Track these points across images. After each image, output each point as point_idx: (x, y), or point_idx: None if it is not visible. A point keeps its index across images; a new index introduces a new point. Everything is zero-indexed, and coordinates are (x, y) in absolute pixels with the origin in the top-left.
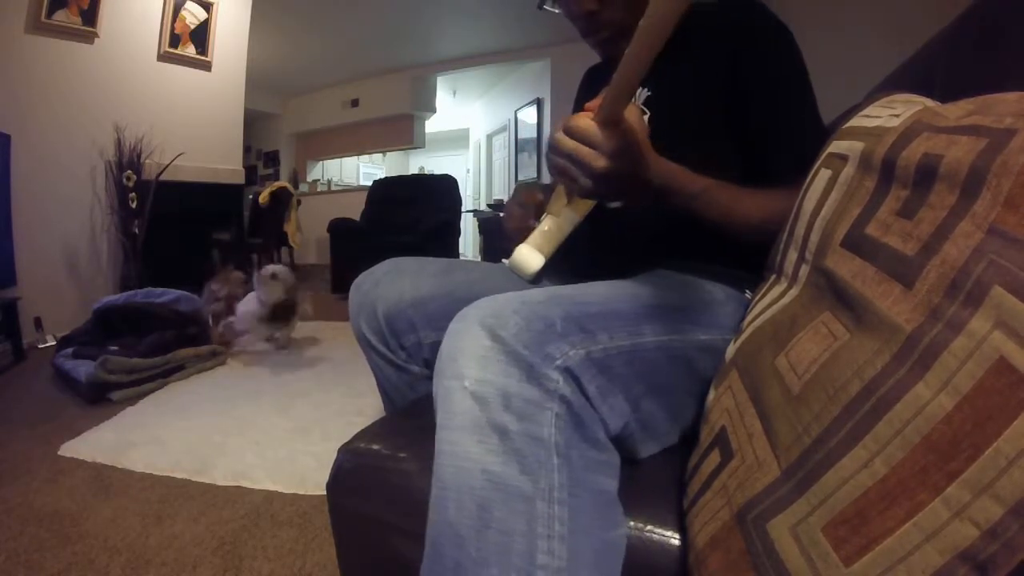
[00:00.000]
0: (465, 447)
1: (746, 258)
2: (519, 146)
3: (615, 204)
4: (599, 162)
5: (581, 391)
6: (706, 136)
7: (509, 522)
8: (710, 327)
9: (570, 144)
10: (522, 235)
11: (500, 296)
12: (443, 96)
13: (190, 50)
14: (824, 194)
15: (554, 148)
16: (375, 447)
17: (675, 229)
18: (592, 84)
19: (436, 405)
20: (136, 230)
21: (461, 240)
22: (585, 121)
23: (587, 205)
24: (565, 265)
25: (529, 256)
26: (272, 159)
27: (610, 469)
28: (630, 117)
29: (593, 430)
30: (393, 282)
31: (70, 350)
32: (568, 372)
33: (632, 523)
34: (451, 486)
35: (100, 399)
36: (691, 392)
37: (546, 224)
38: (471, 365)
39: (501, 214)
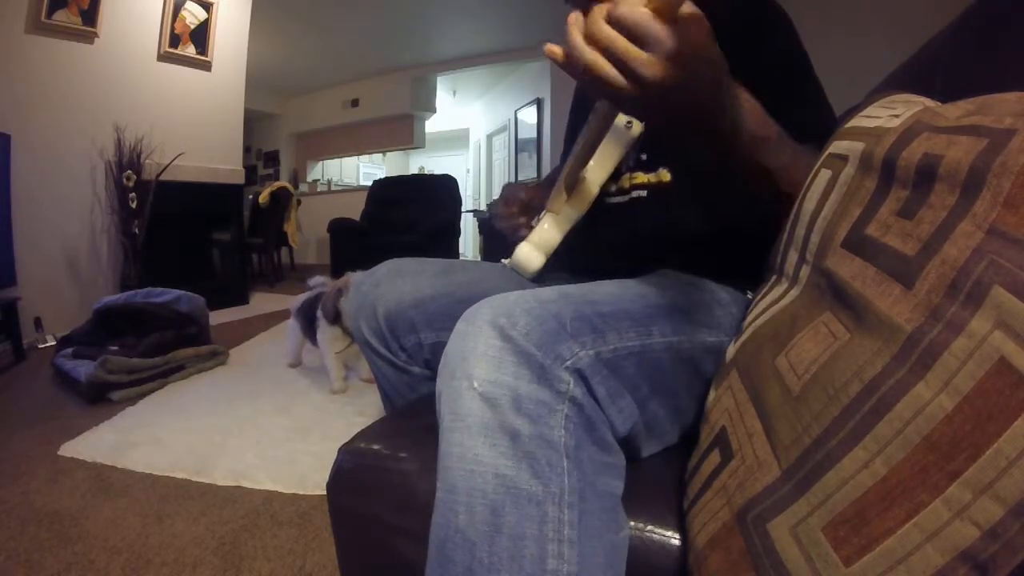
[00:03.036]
0: (475, 450)
1: (746, 259)
2: (519, 146)
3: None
4: (650, 68)
5: (590, 393)
6: None
7: (520, 527)
8: (715, 328)
9: (610, 34)
10: (514, 232)
11: (509, 294)
12: (443, 96)
13: (190, 50)
14: (824, 195)
15: (589, 37)
16: (375, 447)
17: (676, 230)
18: None
19: (440, 405)
20: (136, 230)
21: (461, 240)
22: (637, 8)
23: (587, 202)
24: (566, 264)
25: (530, 255)
26: (272, 159)
27: (617, 471)
28: (696, 17)
29: (602, 432)
30: (393, 283)
31: (70, 350)
32: (578, 373)
33: (632, 523)
34: (461, 490)
35: (100, 399)
36: (694, 393)
37: (546, 222)
38: (481, 365)
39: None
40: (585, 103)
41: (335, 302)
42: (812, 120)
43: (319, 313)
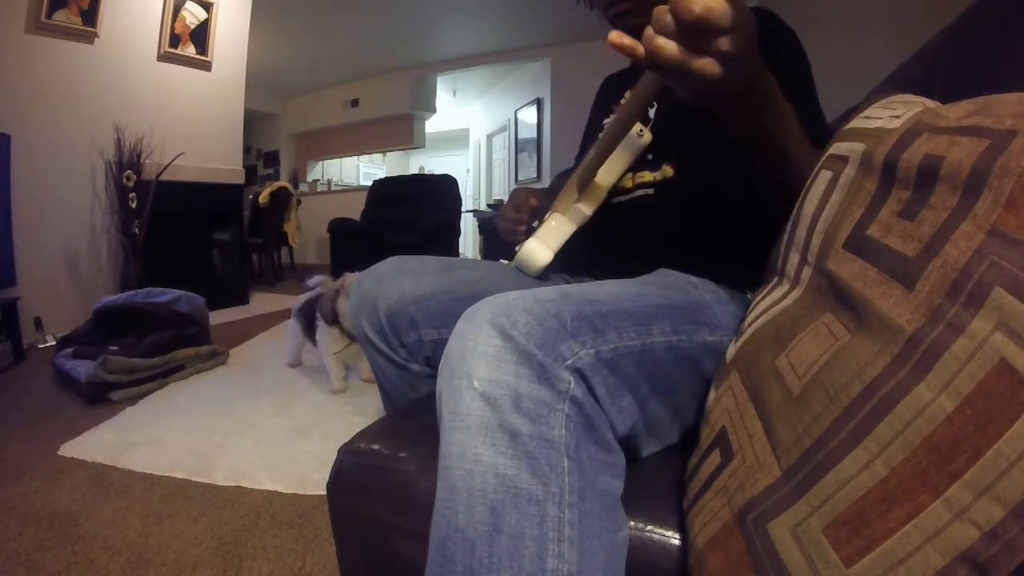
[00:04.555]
0: (475, 450)
1: (747, 261)
2: (519, 146)
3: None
4: (729, 43)
5: (591, 392)
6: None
7: (520, 526)
8: (715, 327)
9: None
10: (513, 236)
11: (510, 294)
12: (443, 96)
13: (190, 50)
14: (825, 196)
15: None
16: (375, 447)
17: (679, 229)
18: (609, 94)
19: (441, 405)
20: (136, 230)
21: (461, 240)
22: None
23: (596, 205)
24: (563, 264)
25: (537, 251)
26: (272, 159)
27: (617, 470)
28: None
29: (602, 431)
30: (395, 280)
31: (70, 350)
32: (578, 372)
33: (632, 523)
34: (461, 489)
35: (100, 399)
36: (694, 393)
37: (553, 220)
38: (481, 365)
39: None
40: (605, 107)
41: (332, 303)
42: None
43: (318, 314)
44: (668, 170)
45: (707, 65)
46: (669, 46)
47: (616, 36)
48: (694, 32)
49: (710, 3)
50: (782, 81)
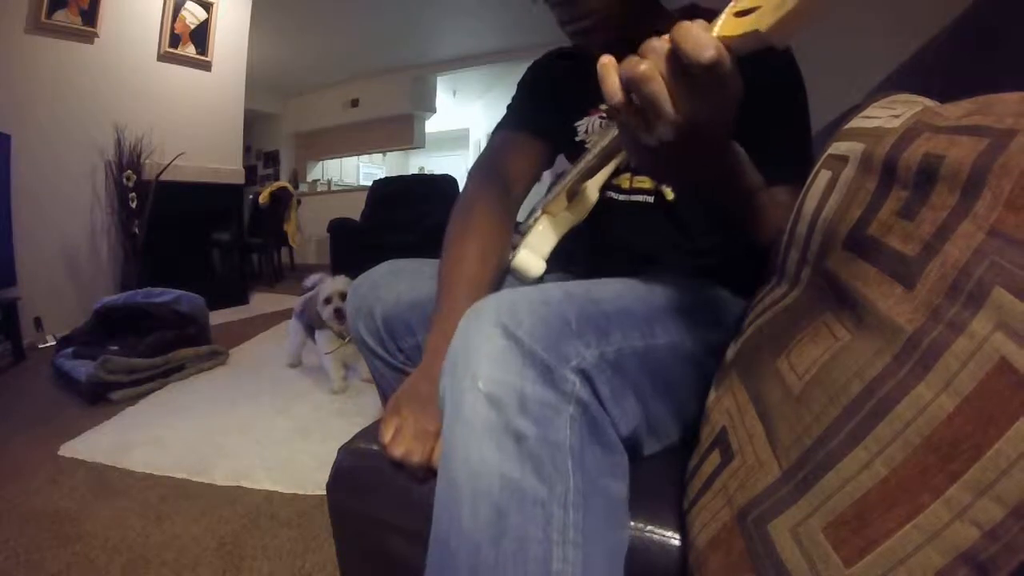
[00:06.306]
0: (480, 452)
1: (745, 263)
2: None
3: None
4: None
5: (595, 393)
6: None
7: (525, 528)
8: (717, 328)
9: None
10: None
11: (514, 292)
12: (443, 96)
13: (190, 50)
14: (824, 195)
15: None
16: (375, 447)
17: (681, 239)
18: (558, 70)
19: (444, 403)
20: (136, 230)
21: None
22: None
23: (587, 210)
24: (562, 263)
25: (531, 260)
26: (272, 159)
27: (620, 471)
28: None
29: (606, 432)
30: (391, 284)
31: (70, 350)
32: (583, 374)
33: (632, 523)
34: (465, 491)
35: (100, 399)
36: (696, 393)
37: (541, 224)
38: (485, 364)
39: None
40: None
41: (315, 308)
42: (793, 163)
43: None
44: (668, 192)
45: (680, 118)
46: (655, 72)
47: (610, 60)
48: (688, 76)
49: (724, 55)
50: (788, 124)
